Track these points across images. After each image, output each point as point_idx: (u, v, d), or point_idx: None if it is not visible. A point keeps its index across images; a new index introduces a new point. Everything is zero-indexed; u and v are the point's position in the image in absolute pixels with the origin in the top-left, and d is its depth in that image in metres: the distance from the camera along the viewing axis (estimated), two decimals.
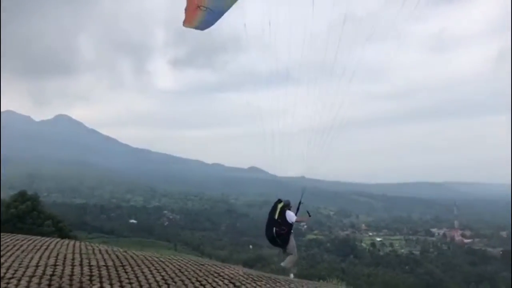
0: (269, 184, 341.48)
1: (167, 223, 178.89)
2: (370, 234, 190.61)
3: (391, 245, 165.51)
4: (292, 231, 10.84)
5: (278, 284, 8.22)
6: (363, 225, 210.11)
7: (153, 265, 8.05)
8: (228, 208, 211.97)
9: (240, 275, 8.29)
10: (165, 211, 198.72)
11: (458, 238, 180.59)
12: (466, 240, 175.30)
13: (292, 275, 10.46)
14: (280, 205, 10.80)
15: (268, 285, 7.84)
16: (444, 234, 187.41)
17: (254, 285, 7.62)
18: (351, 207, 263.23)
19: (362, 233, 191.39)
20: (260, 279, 8.29)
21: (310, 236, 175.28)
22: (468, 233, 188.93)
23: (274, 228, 10.49)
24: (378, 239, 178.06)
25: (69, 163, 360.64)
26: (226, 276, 7.89)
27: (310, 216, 12.01)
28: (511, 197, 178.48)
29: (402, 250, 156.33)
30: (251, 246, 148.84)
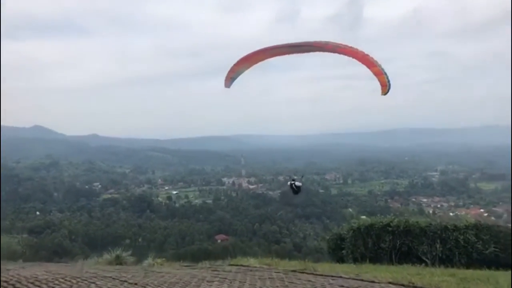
0: (57, 144, 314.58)
1: None
2: (166, 188, 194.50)
3: (187, 196, 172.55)
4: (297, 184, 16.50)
5: None
6: (160, 180, 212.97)
7: None
8: (7, 173, 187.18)
9: None
10: None
11: (245, 185, 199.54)
12: (251, 186, 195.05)
13: None
14: (293, 182, 16.33)
15: None
16: (233, 183, 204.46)
17: None
18: (147, 163, 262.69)
19: (159, 188, 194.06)
20: None
21: (105, 196, 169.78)
22: (253, 179, 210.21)
23: (296, 192, 16.56)
24: (174, 192, 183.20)
25: None
26: None
27: (302, 176, 18.14)
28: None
29: (197, 201, 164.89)
30: (38, 213, 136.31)
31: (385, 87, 13.32)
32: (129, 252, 13.77)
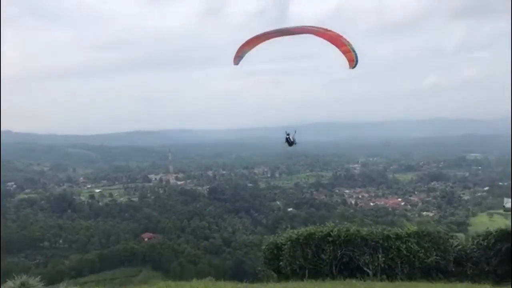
0: None
1: None
2: (89, 186, 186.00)
3: (111, 195, 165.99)
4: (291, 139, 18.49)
5: None
6: (81, 178, 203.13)
7: None
8: None
9: None
10: None
11: (172, 181, 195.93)
12: (179, 182, 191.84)
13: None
14: (288, 136, 18.40)
15: None
16: (160, 179, 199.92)
17: None
18: (67, 160, 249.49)
19: (80, 186, 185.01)
20: None
21: (21, 196, 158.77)
22: (181, 175, 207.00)
23: (292, 143, 18.45)
24: (97, 190, 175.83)
25: None
26: None
27: (295, 132, 18.73)
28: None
29: (122, 199, 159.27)
30: None
31: (352, 62, 15.46)
32: (38, 278, 11.83)
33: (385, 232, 14.08)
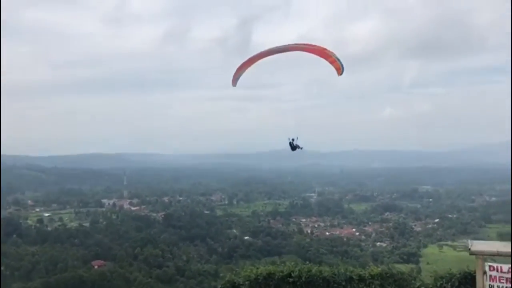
0: None
1: None
2: (38, 210, 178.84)
3: (61, 219, 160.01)
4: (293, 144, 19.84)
5: None
6: (30, 201, 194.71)
7: None
8: None
9: None
10: None
11: (126, 206, 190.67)
12: (133, 208, 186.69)
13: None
14: (291, 141, 19.63)
15: None
16: (114, 204, 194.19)
17: None
18: (17, 182, 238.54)
19: (28, 210, 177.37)
20: None
21: None
22: (136, 201, 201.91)
23: (295, 148, 19.84)
24: (47, 214, 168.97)
25: None
26: None
27: (297, 138, 19.96)
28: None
29: (72, 223, 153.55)
30: None
31: (340, 70, 17.18)
32: None
33: (348, 273, 13.63)
